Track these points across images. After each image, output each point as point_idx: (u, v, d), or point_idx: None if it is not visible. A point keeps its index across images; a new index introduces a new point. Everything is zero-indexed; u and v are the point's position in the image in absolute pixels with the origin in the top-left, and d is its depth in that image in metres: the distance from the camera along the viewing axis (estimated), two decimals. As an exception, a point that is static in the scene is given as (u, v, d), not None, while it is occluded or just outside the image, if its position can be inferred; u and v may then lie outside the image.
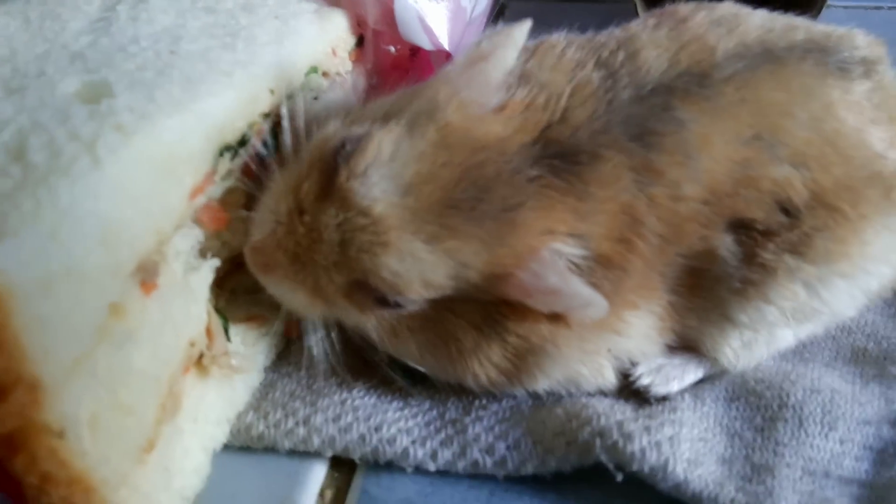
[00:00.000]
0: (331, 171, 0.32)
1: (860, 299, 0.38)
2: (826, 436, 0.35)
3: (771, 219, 0.34)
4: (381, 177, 0.31)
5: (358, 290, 0.33)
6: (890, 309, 0.42)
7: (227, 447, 0.37)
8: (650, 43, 0.36)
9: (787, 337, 0.38)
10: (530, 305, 0.33)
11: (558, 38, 0.38)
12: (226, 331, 0.36)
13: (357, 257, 0.31)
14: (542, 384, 0.36)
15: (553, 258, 0.32)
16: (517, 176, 0.32)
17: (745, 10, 0.39)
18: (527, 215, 0.32)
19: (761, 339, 0.37)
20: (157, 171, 0.30)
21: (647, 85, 0.35)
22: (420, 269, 0.31)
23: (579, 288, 0.31)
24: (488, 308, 0.34)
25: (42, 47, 0.36)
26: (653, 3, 0.69)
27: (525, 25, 0.35)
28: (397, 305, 0.33)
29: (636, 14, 0.67)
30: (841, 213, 0.35)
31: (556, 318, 0.33)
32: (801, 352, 0.40)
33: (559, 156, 0.33)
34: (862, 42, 0.39)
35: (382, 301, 0.33)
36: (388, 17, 0.44)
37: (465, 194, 0.31)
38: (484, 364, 0.35)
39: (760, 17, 0.38)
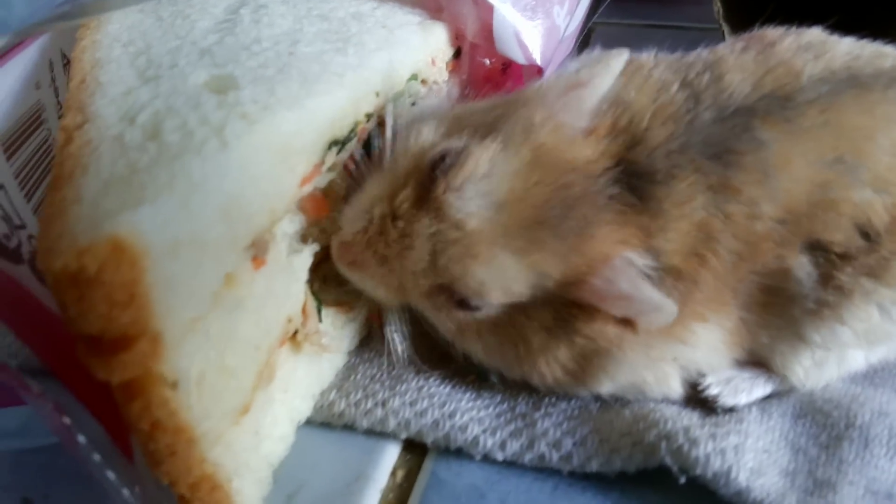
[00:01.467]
0: (428, 181, 0.34)
1: None
2: (891, 458, 0.36)
3: (849, 242, 0.35)
4: (477, 192, 0.33)
5: (440, 292, 0.35)
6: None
7: (310, 421, 0.40)
8: (736, 66, 0.37)
9: (858, 358, 0.39)
10: (603, 309, 0.34)
11: (647, 57, 0.40)
12: (319, 312, 0.39)
13: (446, 266, 0.34)
14: (606, 386, 0.38)
15: (624, 265, 0.33)
16: (599, 195, 0.34)
17: (834, 37, 0.40)
18: (602, 228, 0.34)
19: (832, 359, 0.38)
20: (275, 157, 0.33)
21: (729, 107, 0.36)
22: (504, 278, 0.34)
23: (650, 293, 0.33)
24: (559, 309, 0.35)
25: (174, 42, 0.40)
26: (740, 30, 0.70)
27: (623, 55, 0.37)
28: (475, 308, 0.35)
29: (723, 40, 0.68)
30: None
31: (623, 322, 0.35)
32: (872, 376, 0.41)
33: (636, 175, 0.34)
34: None
35: (463, 304, 0.35)
36: (486, 31, 0.47)
37: (554, 212, 0.33)
38: (551, 363, 0.36)
39: (848, 44, 0.39)
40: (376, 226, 0.35)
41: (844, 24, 0.42)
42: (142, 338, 0.27)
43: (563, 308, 0.35)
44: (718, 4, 0.68)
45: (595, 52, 0.38)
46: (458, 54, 0.49)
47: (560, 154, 0.35)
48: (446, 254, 0.34)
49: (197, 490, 0.31)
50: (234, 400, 0.33)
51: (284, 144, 0.34)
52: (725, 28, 0.69)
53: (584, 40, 0.83)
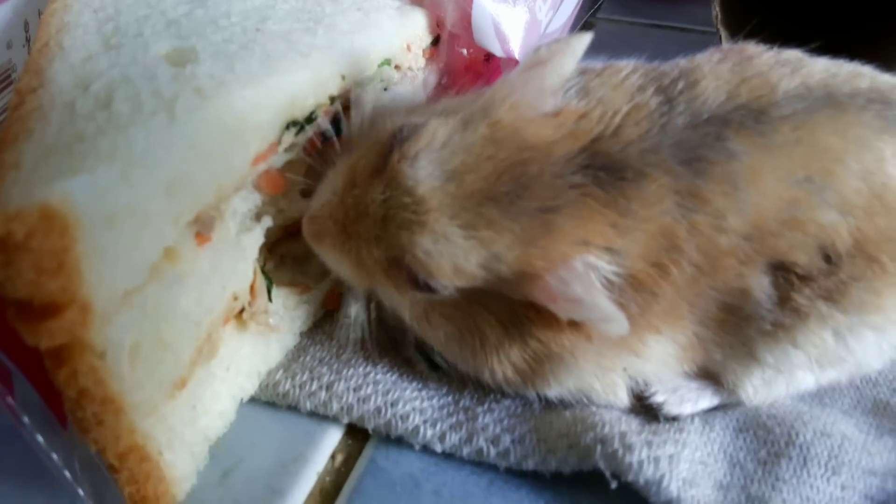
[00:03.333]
0: (386, 152, 0.34)
1: (888, 353, 0.38)
2: (828, 479, 0.36)
3: (811, 264, 0.35)
4: (429, 162, 0.33)
5: (395, 267, 0.35)
6: (922, 368, 0.42)
7: (254, 399, 0.40)
8: (711, 74, 0.37)
9: (807, 380, 0.38)
10: (553, 310, 0.34)
11: (626, 63, 0.39)
12: (269, 292, 0.39)
13: (396, 233, 0.33)
14: (554, 390, 0.38)
15: (584, 270, 0.32)
16: (559, 180, 0.33)
17: (811, 57, 0.39)
18: (564, 221, 0.33)
19: (782, 379, 0.38)
20: (227, 134, 0.33)
21: (703, 113, 0.35)
22: (452, 253, 0.33)
23: (602, 302, 0.32)
24: (516, 308, 0.35)
25: (144, 11, 0.40)
26: (738, 36, 0.69)
27: (585, 37, 0.36)
28: (428, 288, 0.34)
29: (720, 44, 0.67)
30: (880, 264, 0.35)
31: (577, 328, 0.34)
32: (822, 396, 0.40)
33: (605, 168, 0.34)
34: None
35: (415, 281, 0.34)
36: (465, 21, 0.46)
37: (505, 188, 0.33)
38: (503, 361, 0.36)
39: (825, 62, 0.39)
40: (338, 196, 0.35)
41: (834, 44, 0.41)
42: (70, 306, 0.27)
43: (520, 307, 0.35)
44: (717, 9, 0.67)
45: (560, 37, 0.38)
46: (436, 42, 0.48)
47: (517, 131, 0.34)
48: (396, 220, 0.33)
49: (125, 460, 0.32)
50: (169, 373, 0.33)
51: (237, 122, 0.34)
52: (723, 33, 0.68)
53: (584, 35, 0.83)
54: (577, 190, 0.33)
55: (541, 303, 0.34)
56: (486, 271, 0.34)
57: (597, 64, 0.39)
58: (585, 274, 0.32)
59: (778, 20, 0.74)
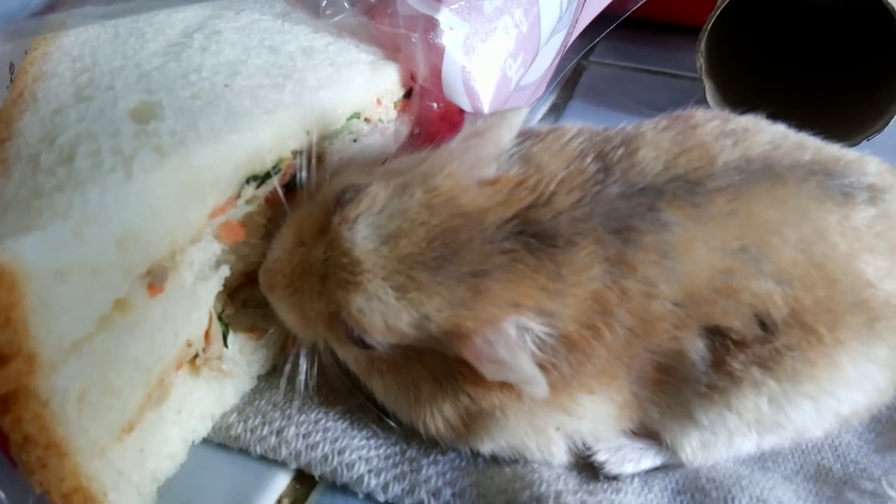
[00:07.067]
0: (330, 212, 0.36)
1: (828, 421, 0.39)
2: (759, 546, 0.36)
3: (746, 330, 0.35)
4: (367, 226, 0.35)
5: (335, 321, 0.36)
6: (869, 434, 0.42)
7: (206, 441, 0.41)
8: (651, 143, 0.38)
9: (746, 445, 0.39)
10: (479, 370, 0.35)
11: (572, 127, 0.40)
12: (224, 338, 0.40)
13: (333, 290, 0.35)
14: (487, 446, 0.39)
15: (512, 331, 0.34)
16: (489, 245, 0.34)
17: (761, 125, 0.40)
18: (493, 284, 0.34)
19: (721, 443, 0.38)
20: (183, 191, 0.35)
21: (637, 183, 0.36)
22: (384, 312, 0.35)
23: (525, 365, 0.33)
24: (451, 364, 0.36)
25: (119, 62, 0.42)
26: (723, 87, 0.70)
27: (521, 112, 0.38)
28: (364, 344, 0.36)
29: (705, 96, 0.68)
30: (816, 335, 0.35)
31: (507, 387, 0.35)
32: (765, 459, 0.41)
33: (536, 235, 0.35)
34: (873, 169, 0.39)
35: (351, 336, 0.36)
36: (436, 76, 0.48)
37: (434, 253, 0.34)
38: (435, 416, 0.38)
39: (772, 134, 0.39)
40: (287, 252, 0.37)
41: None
42: (16, 357, 0.29)
43: (454, 363, 0.36)
44: (701, 60, 0.68)
45: (499, 110, 0.39)
46: (409, 94, 0.49)
47: (452, 199, 0.35)
48: (333, 278, 0.35)
49: (69, 501, 0.33)
50: (117, 418, 0.34)
51: (195, 178, 0.35)
52: (707, 84, 0.69)
53: (575, 78, 0.84)
54: (507, 255, 0.34)
55: (469, 361, 0.35)
56: (418, 330, 0.35)
57: (543, 128, 0.40)
58: (513, 336, 0.34)
59: (764, 63, 0.75)
